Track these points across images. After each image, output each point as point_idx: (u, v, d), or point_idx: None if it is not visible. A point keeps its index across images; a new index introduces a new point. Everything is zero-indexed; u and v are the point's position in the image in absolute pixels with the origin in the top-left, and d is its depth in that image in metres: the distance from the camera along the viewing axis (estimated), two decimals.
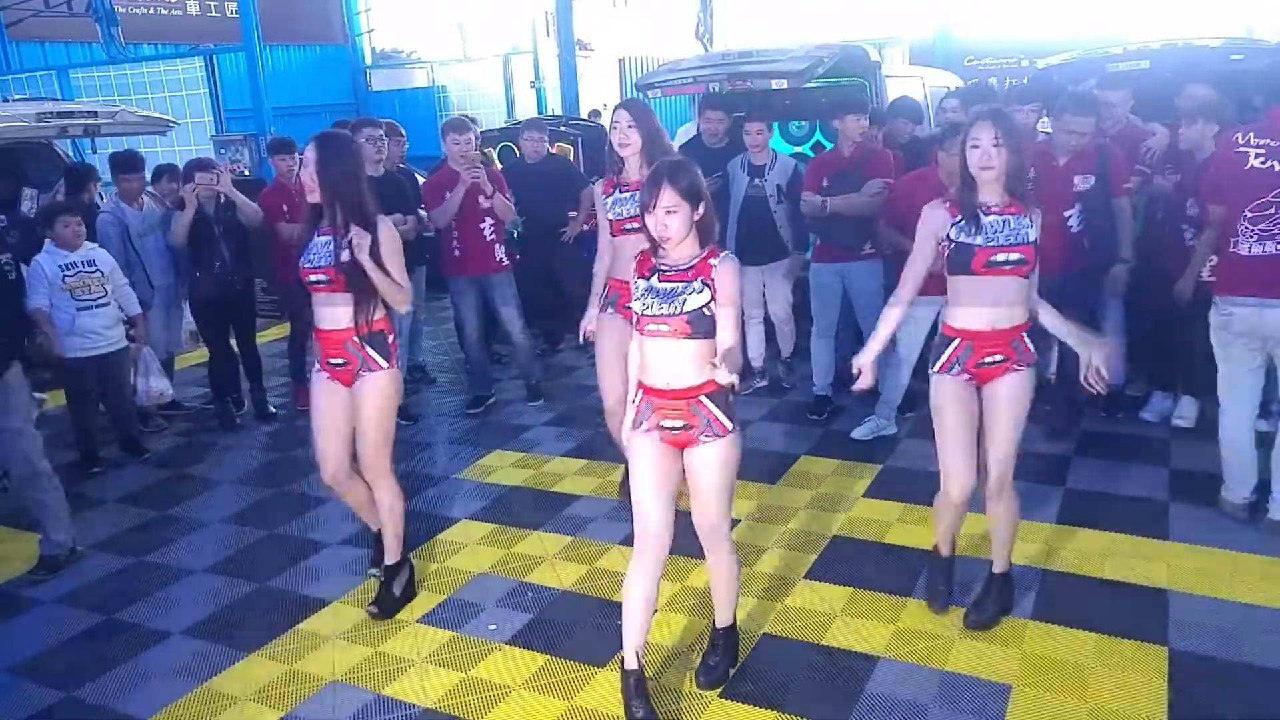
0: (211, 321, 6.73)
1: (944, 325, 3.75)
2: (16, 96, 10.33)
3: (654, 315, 3.17)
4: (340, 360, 4.01)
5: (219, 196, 6.46)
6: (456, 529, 5.04)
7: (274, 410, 7.01)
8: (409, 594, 4.30)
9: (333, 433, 4.09)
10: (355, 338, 3.96)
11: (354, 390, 4.04)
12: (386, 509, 4.19)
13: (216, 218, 6.47)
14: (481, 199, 6.42)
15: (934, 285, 3.78)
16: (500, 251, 6.67)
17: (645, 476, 3.28)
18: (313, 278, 3.93)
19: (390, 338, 4.04)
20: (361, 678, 3.77)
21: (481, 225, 6.53)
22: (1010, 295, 3.61)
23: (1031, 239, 3.59)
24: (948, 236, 3.61)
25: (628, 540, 4.40)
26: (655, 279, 3.21)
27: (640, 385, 3.32)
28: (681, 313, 3.13)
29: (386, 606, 4.20)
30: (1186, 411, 5.72)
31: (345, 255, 3.84)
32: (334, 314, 3.97)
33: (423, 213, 6.58)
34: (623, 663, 3.35)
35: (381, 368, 4.00)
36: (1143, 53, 6.74)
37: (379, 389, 4.01)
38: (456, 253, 6.57)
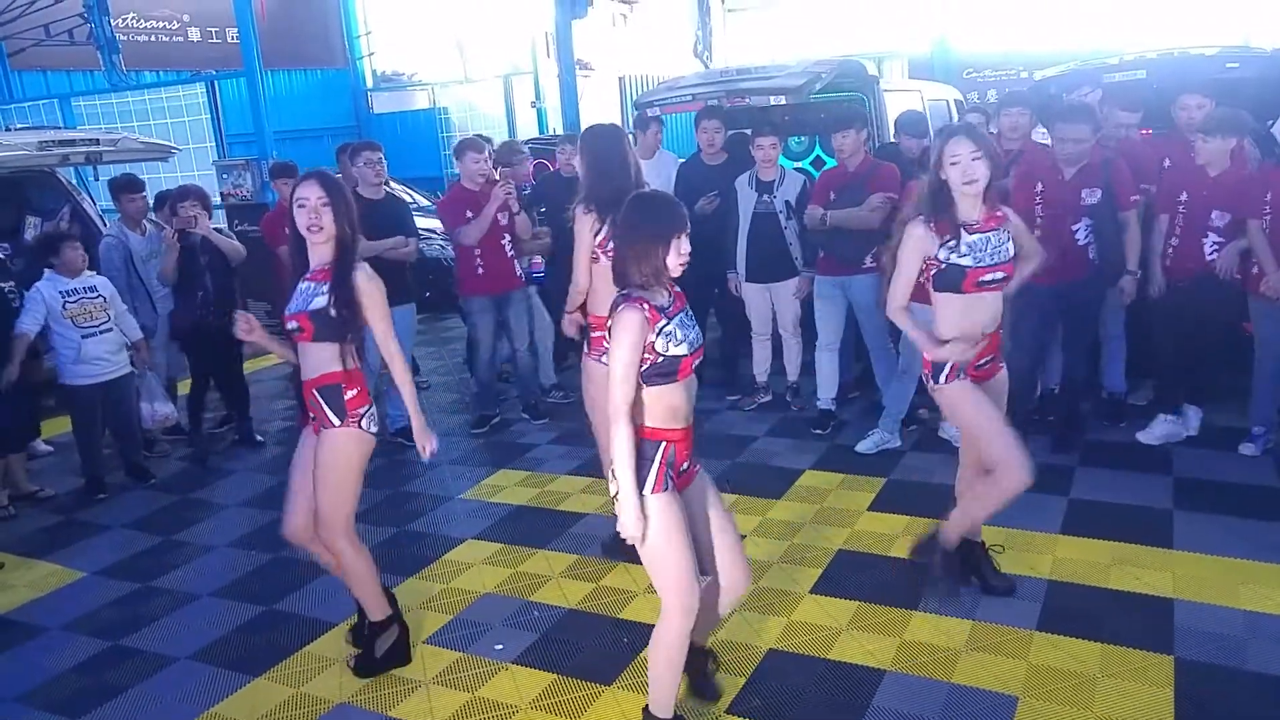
0: (196, 352, 6.68)
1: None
2: (19, 125, 10.40)
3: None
4: (312, 414, 3.74)
5: (194, 225, 6.38)
6: (462, 548, 5.04)
7: (260, 439, 6.97)
8: (397, 657, 3.94)
9: (302, 488, 3.83)
10: (314, 390, 3.66)
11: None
12: (348, 572, 3.83)
13: (202, 248, 6.43)
14: (501, 216, 6.47)
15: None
16: (519, 268, 6.75)
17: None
18: (290, 325, 3.66)
19: (349, 393, 3.64)
20: (368, 700, 3.77)
21: (503, 242, 6.59)
22: (995, 305, 3.79)
23: (1011, 255, 3.76)
24: (936, 256, 3.70)
25: (634, 559, 4.43)
26: None
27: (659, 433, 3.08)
28: None
29: (365, 666, 3.92)
30: (1190, 421, 5.71)
31: (321, 301, 3.58)
32: (305, 363, 3.69)
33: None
34: None
35: (333, 425, 3.63)
36: (1139, 63, 6.76)
37: (330, 446, 3.66)
38: (480, 271, 6.58)
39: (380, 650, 3.90)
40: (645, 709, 3.28)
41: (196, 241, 6.43)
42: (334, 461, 3.66)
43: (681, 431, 3.10)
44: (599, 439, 4.49)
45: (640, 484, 3.02)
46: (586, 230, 4.37)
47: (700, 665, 3.53)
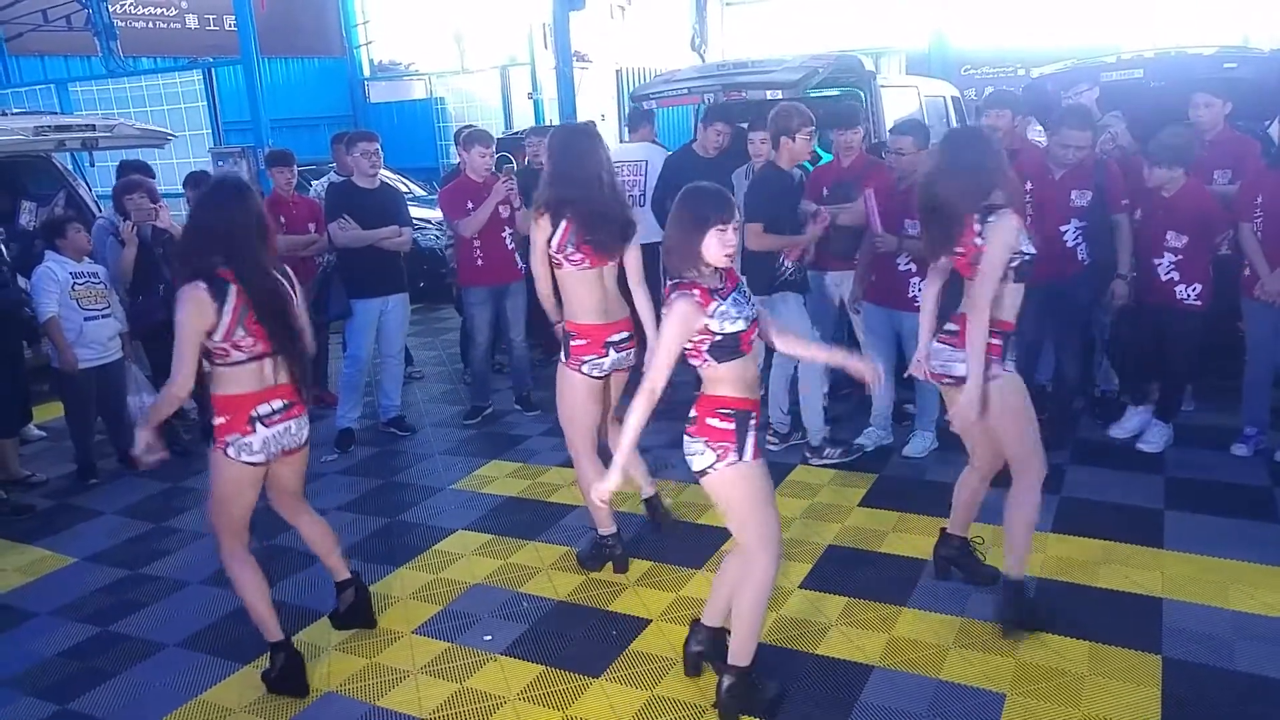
0: (156, 346, 6.48)
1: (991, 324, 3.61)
2: (15, 110, 10.36)
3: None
4: None
5: (153, 218, 6.32)
6: (453, 539, 5.04)
7: None
8: (290, 687, 3.76)
9: None
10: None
11: None
12: (234, 587, 3.78)
13: (155, 240, 6.34)
14: (503, 209, 6.47)
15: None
16: (519, 259, 6.75)
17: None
18: None
19: (216, 419, 3.56)
20: (357, 689, 3.77)
21: (504, 234, 6.59)
22: None
23: None
24: (1021, 251, 3.60)
25: (622, 567, 4.49)
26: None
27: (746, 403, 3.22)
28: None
29: (267, 681, 3.81)
30: (1155, 438, 5.59)
31: None
32: None
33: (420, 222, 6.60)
34: None
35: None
36: (1137, 61, 6.76)
37: (211, 464, 3.63)
38: (479, 262, 6.58)
39: (273, 673, 3.79)
40: (732, 668, 3.39)
41: (148, 235, 6.32)
42: (213, 477, 3.64)
43: (755, 403, 3.24)
44: (568, 438, 4.49)
45: (740, 451, 3.17)
46: (540, 235, 4.22)
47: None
